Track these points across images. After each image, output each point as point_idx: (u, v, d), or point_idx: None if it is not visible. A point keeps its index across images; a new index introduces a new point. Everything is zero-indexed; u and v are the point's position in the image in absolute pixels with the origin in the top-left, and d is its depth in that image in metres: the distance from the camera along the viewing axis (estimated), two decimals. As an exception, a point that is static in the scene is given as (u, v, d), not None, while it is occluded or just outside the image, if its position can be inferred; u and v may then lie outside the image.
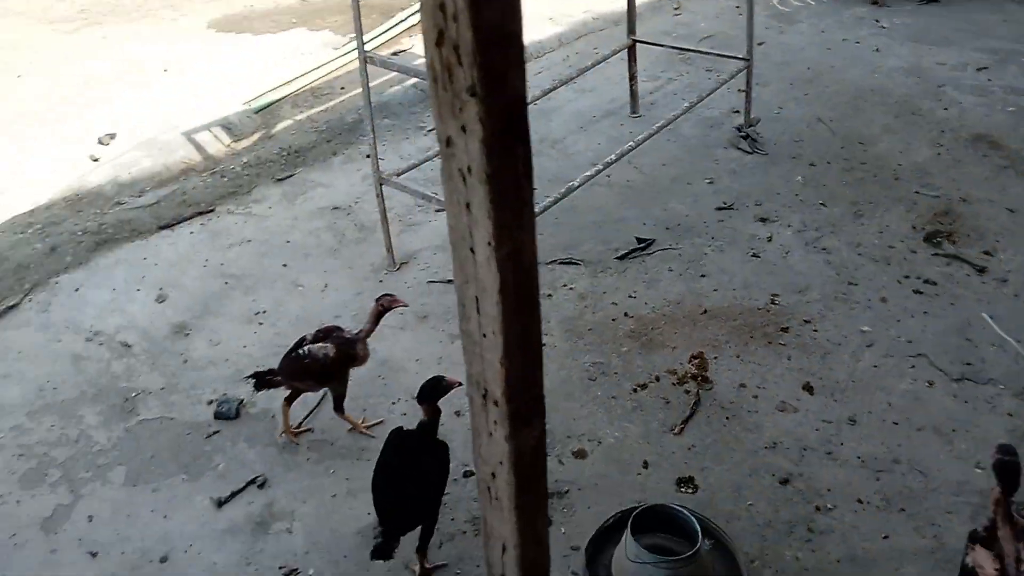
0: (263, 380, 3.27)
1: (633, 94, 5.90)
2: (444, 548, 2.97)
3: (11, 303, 4.22)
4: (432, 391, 2.80)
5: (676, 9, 7.97)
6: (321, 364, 3.19)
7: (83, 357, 3.88)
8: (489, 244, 1.15)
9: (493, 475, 1.34)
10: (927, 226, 4.67)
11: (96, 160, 5.34)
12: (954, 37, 7.16)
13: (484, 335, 1.22)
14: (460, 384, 2.80)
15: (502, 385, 1.23)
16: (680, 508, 2.71)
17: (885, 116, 5.87)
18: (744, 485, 3.17)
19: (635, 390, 3.60)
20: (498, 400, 1.25)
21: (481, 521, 1.47)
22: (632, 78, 5.84)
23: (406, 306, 3.34)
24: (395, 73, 5.96)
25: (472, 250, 1.17)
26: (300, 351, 3.21)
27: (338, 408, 3.33)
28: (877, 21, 7.57)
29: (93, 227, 4.77)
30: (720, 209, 4.86)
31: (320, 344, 3.22)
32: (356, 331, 3.29)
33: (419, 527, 2.80)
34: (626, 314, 4.03)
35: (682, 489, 3.16)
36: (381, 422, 3.41)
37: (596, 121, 5.90)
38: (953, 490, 3.16)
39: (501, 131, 1.09)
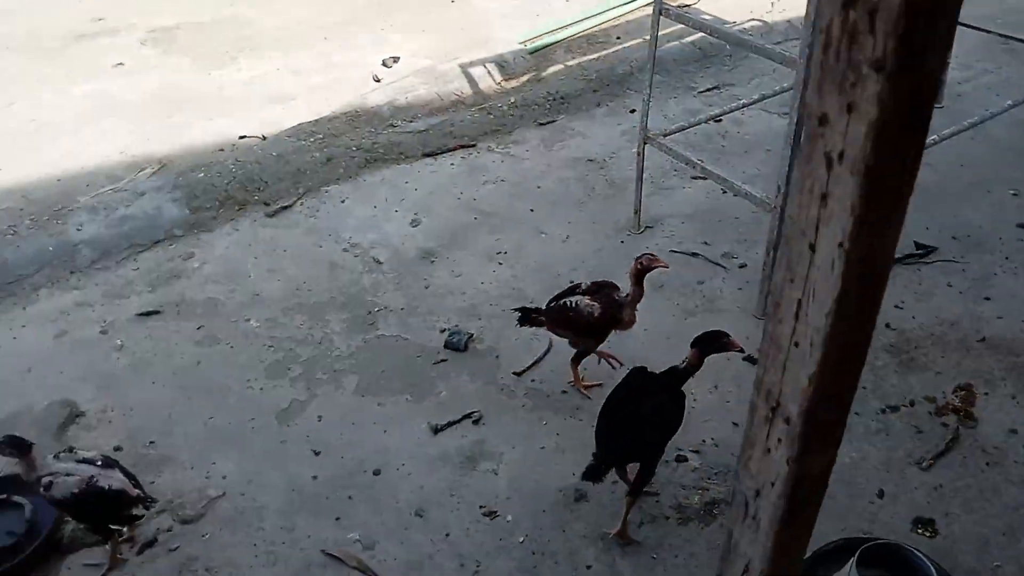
0: (528, 316, 3.28)
1: (940, 82, 5.23)
2: (643, 529, 2.85)
3: (285, 204, 4.57)
4: (709, 343, 2.70)
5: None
6: (586, 321, 3.12)
7: (339, 265, 4.14)
8: (840, 245, 0.97)
9: (758, 493, 1.19)
10: None
11: (378, 81, 5.63)
12: None
13: (796, 343, 1.05)
14: (741, 350, 2.76)
15: (804, 404, 1.07)
16: (915, 550, 2.39)
17: None
18: (995, 543, 2.75)
19: (884, 411, 3.23)
20: (791, 418, 1.09)
21: (725, 531, 1.34)
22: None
23: (666, 267, 3.16)
24: (676, 27, 5.72)
25: (812, 247, 1.00)
26: (568, 301, 3.17)
27: (575, 360, 3.28)
28: None
29: (367, 144, 5.05)
30: (1022, 226, 4.21)
31: (588, 301, 3.14)
32: (624, 294, 3.17)
33: (636, 464, 2.74)
34: (888, 325, 3.61)
35: (919, 530, 2.79)
36: (600, 384, 3.33)
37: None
38: None
39: (900, 117, 0.90)
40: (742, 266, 3.94)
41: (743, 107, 4.49)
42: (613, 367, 3.34)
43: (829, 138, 0.95)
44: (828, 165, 0.96)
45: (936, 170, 4.67)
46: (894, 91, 0.88)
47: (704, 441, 3.12)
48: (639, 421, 2.70)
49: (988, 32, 5.37)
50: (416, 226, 4.32)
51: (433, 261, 4.09)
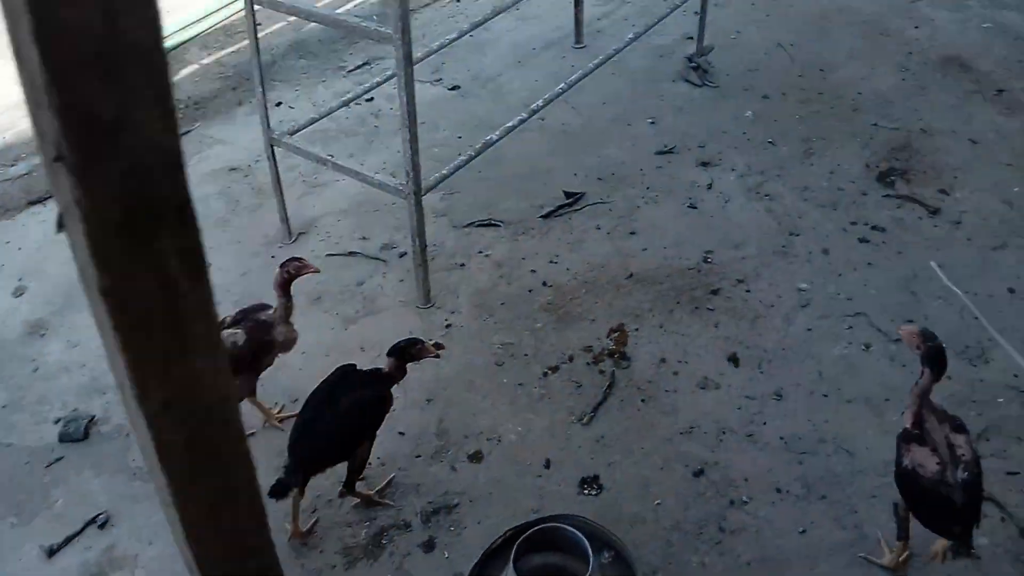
0: None
1: (577, 22, 5.42)
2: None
3: None
4: (404, 351, 2.66)
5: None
6: (233, 356, 2.71)
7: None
8: (135, 395, 0.76)
9: None
10: (881, 163, 4.30)
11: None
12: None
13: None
14: (437, 356, 2.73)
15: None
16: (567, 527, 2.44)
17: (851, 38, 5.40)
18: (653, 481, 2.91)
19: (545, 374, 3.31)
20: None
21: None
22: (577, 3, 5.35)
23: (317, 271, 2.93)
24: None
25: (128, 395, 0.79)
26: None
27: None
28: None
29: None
30: (660, 153, 4.48)
31: (230, 331, 2.80)
32: (271, 310, 2.87)
33: (331, 467, 2.69)
34: (545, 283, 3.71)
35: (585, 491, 2.90)
36: (253, 433, 3.05)
37: (536, 54, 5.44)
38: (879, 470, 2.89)
39: (121, 215, 0.68)
40: (402, 255, 3.86)
41: (369, 90, 4.35)
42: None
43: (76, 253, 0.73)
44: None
45: (580, 112, 4.85)
46: (92, 188, 0.66)
47: (371, 463, 3.00)
48: (339, 417, 2.59)
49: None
50: (20, 295, 3.70)
51: (44, 334, 3.53)
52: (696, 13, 5.55)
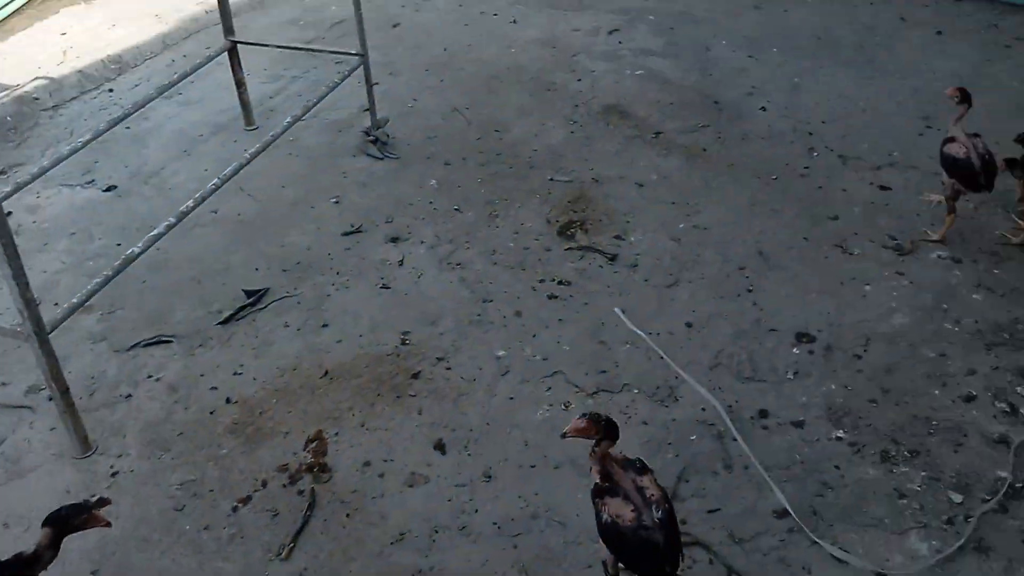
0: None
1: (244, 104, 5.12)
2: None
3: None
4: (65, 522, 2.23)
5: (304, -8, 7.21)
6: None
7: None
8: None
9: None
10: (560, 217, 4.43)
11: None
12: (590, 0, 7.10)
13: None
14: (108, 524, 2.27)
15: None
16: None
17: (521, 96, 5.60)
18: (365, 607, 2.66)
19: (235, 508, 2.94)
20: None
21: None
22: (240, 85, 5.05)
23: None
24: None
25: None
26: None
27: None
28: (515, -13, 7.33)
29: None
30: (347, 234, 4.29)
31: None
32: None
33: None
34: (229, 400, 3.35)
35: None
36: None
37: (204, 141, 5.07)
38: (591, 535, 2.86)
39: None
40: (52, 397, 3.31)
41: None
42: None
43: None
44: None
45: (257, 199, 4.55)
46: None
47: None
48: None
49: (267, 46, 5.39)
50: None
51: None
52: (371, 84, 5.50)
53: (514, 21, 6.68)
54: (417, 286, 3.96)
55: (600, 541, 2.46)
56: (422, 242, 4.24)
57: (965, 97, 3.88)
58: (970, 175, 3.86)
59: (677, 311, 3.81)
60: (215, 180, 3.68)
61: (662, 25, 6.61)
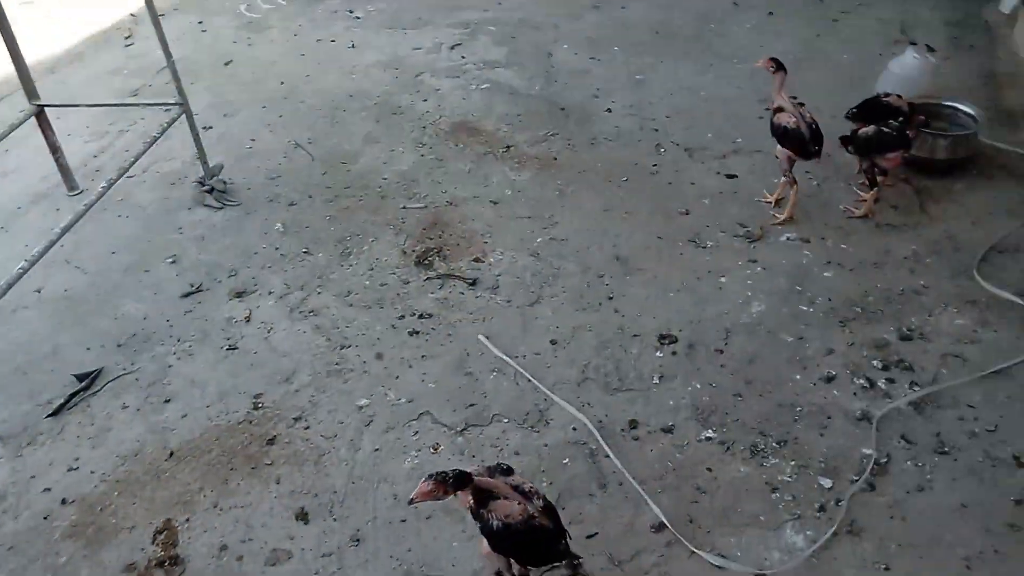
0: None
1: (63, 168, 4.75)
2: None
3: None
4: None
5: (128, 39, 6.83)
6: None
7: None
8: None
9: None
10: (417, 247, 4.28)
11: None
12: (429, 15, 7.00)
13: None
14: None
15: None
16: None
17: (366, 123, 5.43)
18: None
19: (73, 625, 2.67)
20: None
21: None
22: (55, 151, 4.69)
23: None
24: None
25: None
26: None
27: None
28: (351, 12, 7.17)
29: None
30: (187, 296, 4.02)
31: None
32: None
33: None
34: (64, 500, 3.05)
35: None
36: None
37: (22, 214, 4.68)
38: (476, 584, 2.74)
39: None
40: None
41: None
42: None
43: None
44: None
45: (87, 270, 4.22)
46: None
47: None
48: None
49: (78, 106, 5.05)
50: None
51: None
52: (207, 127, 5.24)
53: (353, 46, 6.51)
54: (267, 342, 3.73)
55: (490, 553, 2.42)
56: (270, 293, 4.01)
57: (780, 66, 3.98)
58: (801, 142, 3.95)
59: (541, 330, 3.72)
60: (21, 264, 3.36)
61: (503, 35, 6.57)
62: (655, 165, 4.83)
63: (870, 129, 3.98)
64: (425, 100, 5.66)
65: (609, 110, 5.43)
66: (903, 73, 4.98)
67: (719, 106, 5.34)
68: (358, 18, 7.03)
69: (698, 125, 5.18)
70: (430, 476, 2.23)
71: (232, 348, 3.71)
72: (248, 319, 3.86)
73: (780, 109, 4.02)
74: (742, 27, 6.47)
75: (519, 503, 2.34)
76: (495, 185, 4.75)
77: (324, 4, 7.32)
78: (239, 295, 4.01)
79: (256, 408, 3.41)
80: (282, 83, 5.96)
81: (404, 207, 4.59)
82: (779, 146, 4.05)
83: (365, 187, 4.78)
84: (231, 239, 4.39)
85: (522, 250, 4.23)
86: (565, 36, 6.50)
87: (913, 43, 5.89)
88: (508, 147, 5.09)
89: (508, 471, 2.45)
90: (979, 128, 4.52)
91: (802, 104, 4.08)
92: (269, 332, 3.79)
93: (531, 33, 6.58)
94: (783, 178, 4.17)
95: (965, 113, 4.65)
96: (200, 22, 7.04)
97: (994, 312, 3.60)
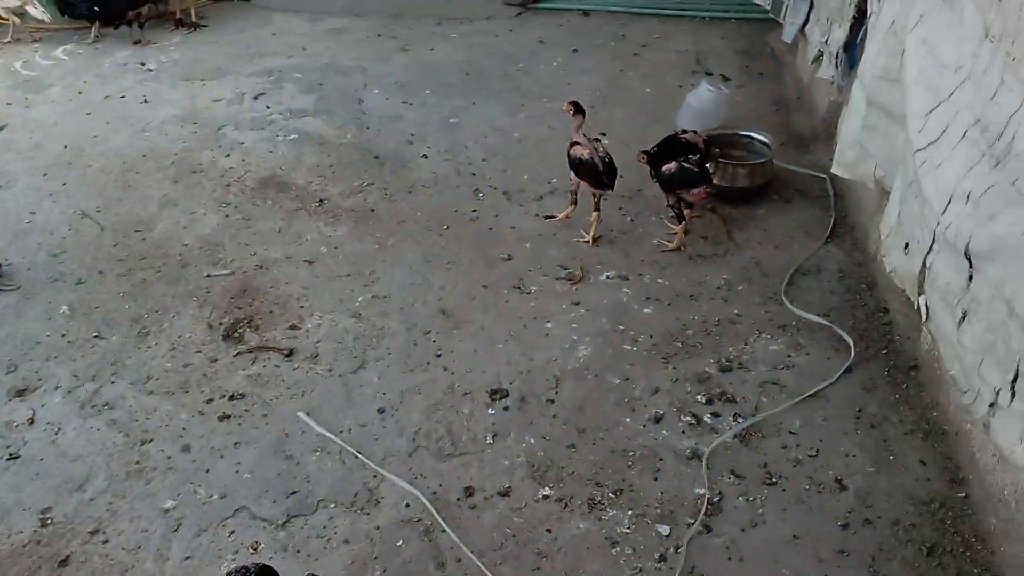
0: None
1: None
2: None
3: None
4: None
5: None
6: None
7: None
8: None
9: None
10: (224, 319, 3.97)
11: None
12: (228, 64, 6.64)
13: None
14: None
15: None
16: None
17: (163, 185, 5.03)
18: None
19: None
20: None
21: None
22: None
23: None
24: None
25: None
26: None
27: None
28: (143, 64, 6.69)
29: None
30: (-45, 401, 3.50)
31: None
32: None
33: None
34: None
35: None
36: None
37: None
38: None
39: None
40: None
41: None
42: None
43: None
44: None
45: None
46: None
47: None
48: None
49: None
50: None
51: None
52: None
53: (145, 101, 6.06)
54: (55, 446, 3.31)
55: None
56: (57, 387, 3.58)
57: (578, 109, 4.24)
58: (594, 173, 4.18)
59: (367, 398, 3.52)
60: None
61: (310, 81, 6.34)
62: (475, 211, 4.75)
63: (672, 166, 4.09)
64: (228, 155, 5.33)
65: (425, 155, 5.33)
66: (700, 106, 5.19)
67: (532, 147, 5.36)
68: (150, 71, 6.57)
69: (514, 167, 5.16)
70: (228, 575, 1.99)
71: (13, 457, 3.26)
72: (31, 421, 3.41)
73: (576, 143, 4.25)
74: (549, 65, 6.57)
75: None
76: (309, 243, 4.50)
77: (112, 57, 6.80)
78: (20, 394, 3.55)
79: (44, 525, 2.99)
80: (65, 146, 5.44)
81: (208, 275, 4.25)
82: (573, 175, 4.30)
83: (164, 256, 4.40)
84: (8, 329, 3.89)
85: (342, 312, 4.01)
86: (375, 80, 6.36)
87: (709, 73, 6.20)
88: (321, 201, 4.86)
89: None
90: (773, 155, 4.76)
91: (598, 140, 4.31)
92: (57, 434, 3.36)
93: (339, 79, 6.39)
94: (594, 212, 4.29)
95: (760, 141, 4.89)
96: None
97: (804, 335, 3.75)
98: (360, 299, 4.09)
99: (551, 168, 5.06)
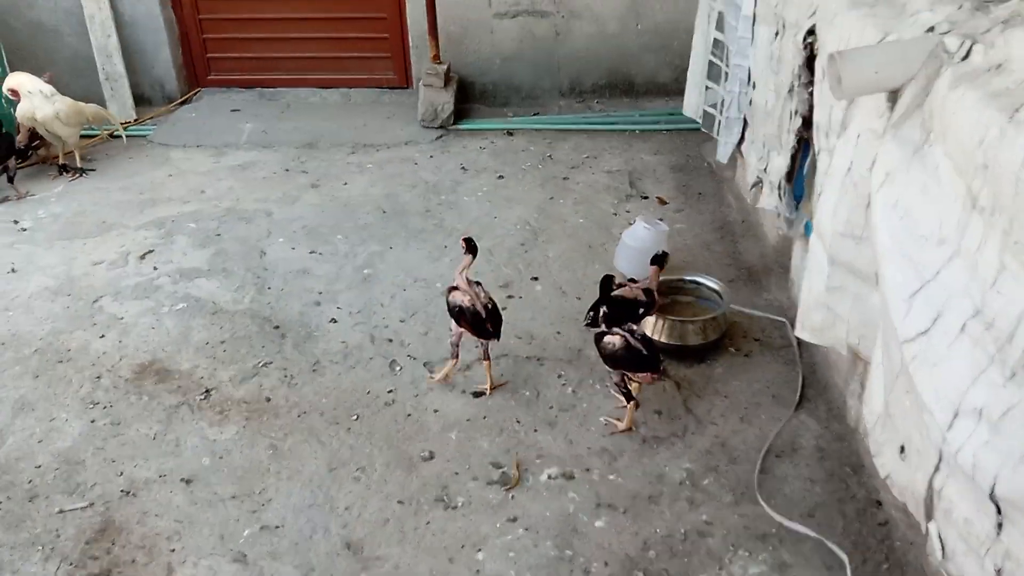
0: None
1: None
2: None
3: None
4: None
5: None
6: None
7: None
8: None
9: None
10: (76, 574, 3.15)
11: None
12: (116, 216, 5.94)
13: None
14: None
15: None
16: None
17: (19, 383, 4.23)
18: None
19: None
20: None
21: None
22: None
23: None
24: None
25: None
26: None
27: None
28: (16, 222, 5.95)
29: None
30: None
31: None
32: None
33: None
34: None
35: None
36: None
37: None
38: None
39: None
40: None
41: None
42: None
43: None
44: None
45: None
46: None
47: None
48: None
49: None
50: None
51: None
52: None
53: (13, 270, 5.30)
54: None
55: None
56: None
57: (471, 248, 3.80)
58: (478, 321, 3.72)
59: None
60: None
61: (206, 232, 5.67)
62: (390, 391, 4.06)
63: (617, 344, 3.47)
64: (103, 336, 4.58)
65: (334, 319, 4.65)
66: (637, 245, 4.64)
67: (455, 302, 4.71)
68: (24, 230, 5.83)
69: (437, 327, 4.51)
70: None
71: None
72: None
73: (455, 287, 3.81)
74: (473, 196, 6.02)
75: None
76: (189, 453, 3.74)
77: (-19, 214, 6.05)
78: None
79: None
80: (-92, 337, 4.63)
81: (61, 511, 3.45)
82: (454, 324, 3.84)
83: (8, 487, 3.59)
84: None
85: (223, 554, 3.24)
86: (280, 226, 5.72)
87: (644, 197, 5.70)
88: (207, 392, 4.12)
89: None
90: (726, 305, 4.19)
91: (479, 283, 3.87)
92: None
93: (240, 226, 5.73)
94: (484, 361, 3.64)
95: (708, 288, 4.33)
96: None
97: (788, 547, 3.09)
98: (246, 533, 3.33)
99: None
